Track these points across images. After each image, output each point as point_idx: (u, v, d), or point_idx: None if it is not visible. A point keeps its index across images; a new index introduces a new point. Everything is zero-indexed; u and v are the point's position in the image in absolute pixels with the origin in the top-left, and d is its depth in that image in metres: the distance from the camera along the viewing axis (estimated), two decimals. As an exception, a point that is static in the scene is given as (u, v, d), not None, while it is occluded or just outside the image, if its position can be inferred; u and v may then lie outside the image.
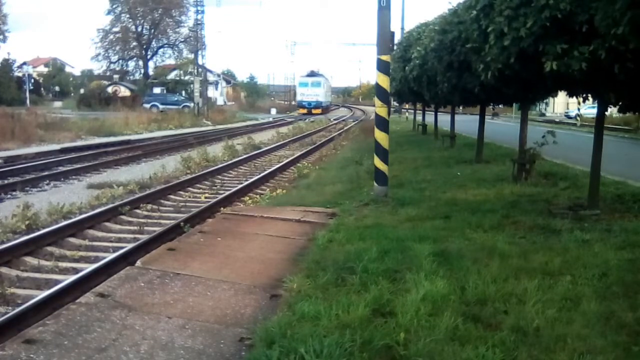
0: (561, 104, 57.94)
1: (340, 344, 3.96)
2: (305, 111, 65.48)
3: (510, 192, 10.26)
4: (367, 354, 3.96)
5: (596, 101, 8.80)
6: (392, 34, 10.25)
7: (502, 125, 34.60)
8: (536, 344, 4.12)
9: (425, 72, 15.11)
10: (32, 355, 3.99)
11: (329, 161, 19.26)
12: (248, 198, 12.89)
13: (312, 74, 72.08)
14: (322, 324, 4.37)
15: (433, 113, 25.48)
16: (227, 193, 12.97)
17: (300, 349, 3.87)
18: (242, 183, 14.77)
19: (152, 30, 75.48)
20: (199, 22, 51.64)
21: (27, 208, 10.04)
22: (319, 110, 65.99)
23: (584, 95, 8.72)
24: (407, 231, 7.35)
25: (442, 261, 5.91)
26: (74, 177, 15.88)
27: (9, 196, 12.88)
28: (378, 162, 9.83)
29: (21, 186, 13.75)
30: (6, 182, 14.36)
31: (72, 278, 7.02)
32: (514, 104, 17.90)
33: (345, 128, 38.44)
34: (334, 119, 53.61)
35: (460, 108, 29.71)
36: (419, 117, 30.44)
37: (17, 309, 6.02)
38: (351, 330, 4.21)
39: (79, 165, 17.74)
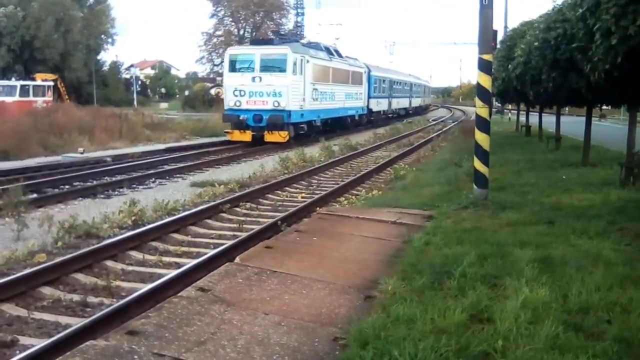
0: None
1: (436, 349, 3.88)
2: (241, 136, 24.63)
3: (617, 197, 9.74)
4: (463, 359, 3.87)
5: None
6: (495, 32, 9.97)
7: (610, 127, 32.89)
8: (643, 356, 3.88)
9: (529, 71, 14.65)
10: (134, 347, 4.15)
11: (426, 162, 19.02)
12: (344, 198, 12.93)
13: (270, 41, 27.40)
14: (417, 328, 4.31)
15: (537, 114, 24.61)
16: (323, 193, 13.07)
17: (394, 352, 3.83)
18: (338, 183, 14.84)
19: (254, 33, 77.33)
20: (299, 24, 52.70)
21: (133, 204, 10.53)
22: (284, 135, 24.21)
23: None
24: (508, 236, 7.11)
25: (544, 268, 5.69)
26: (178, 175, 16.52)
27: (116, 193, 13.57)
28: (478, 164, 9.58)
29: (128, 183, 14.44)
30: (114, 179, 15.13)
31: (175, 272, 7.28)
32: (622, 106, 17.00)
33: (444, 129, 37.79)
34: (433, 120, 52.82)
35: (566, 109, 28.52)
36: (522, 118, 29.45)
37: (121, 301, 6.30)
38: (447, 336, 4.12)
39: (182, 164, 18.46)
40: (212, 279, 5.78)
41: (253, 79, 24.27)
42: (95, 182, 14.64)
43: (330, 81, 29.71)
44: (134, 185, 14.50)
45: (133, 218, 10.15)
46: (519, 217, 8.38)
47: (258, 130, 23.99)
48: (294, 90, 24.46)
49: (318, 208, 11.12)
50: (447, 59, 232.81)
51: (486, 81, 9.61)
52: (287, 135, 23.87)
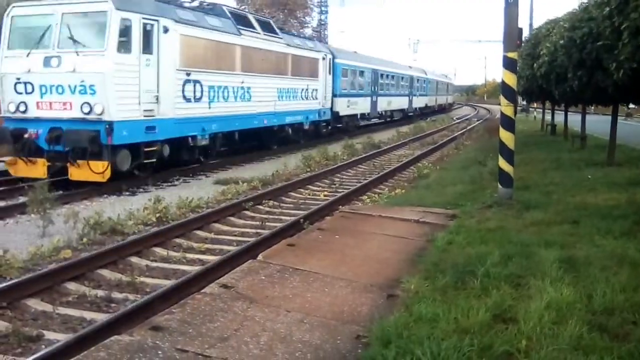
0: None
1: (459, 348, 3.86)
2: (28, 169, 13.17)
3: (644, 197, 9.59)
4: (486, 359, 3.85)
5: None
6: (520, 30, 9.87)
7: (636, 126, 32.42)
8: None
9: (554, 69, 14.52)
10: (158, 342, 4.19)
11: (450, 161, 18.90)
12: (366, 197, 12.91)
13: None
14: (440, 327, 4.29)
15: (562, 113, 24.34)
16: (346, 191, 13.07)
17: (417, 351, 3.82)
18: (360, 182, 14.84)
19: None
20: (322, 22, 52.62)
21: (158, 201, 10.62)
22: (101, 167, 12.60)
23: None
24: (532, 236, 7.06)
25: (568, 268, 5.64)
26: (201, 173, 16.62)
27: (141, 190, 13.69)
28: (503, 163, 9.50)
29: (153, 181, 14.56)
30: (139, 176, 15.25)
31: (198, 269, 7.35)
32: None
33: (469, 127, 37.52)
34: (457, 118, 52.46)
35: (592, 108, 28.15)
36: (548, 117, 29.15)
37: (146, 297, 6.37)
38: (470, 335, 4.10)
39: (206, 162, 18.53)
40: (235, 276, 5.81)
41: (47, 60, 13.04)
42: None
43: (240, 69, 18.14)
44: (159, 183, 14.62)
45: (157, 215, 10.24)
46: (544, 216, 8.30)
47: (58, 158, 13.00)
48: (124, 82, 13.08)
49: (340, 206, 11.12)
50: (471, 57, 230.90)
51: (511, 79, 9.53)
52: (107, 168, 12.66)
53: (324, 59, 26.15)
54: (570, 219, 8.11)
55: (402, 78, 42.40)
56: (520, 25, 9.91)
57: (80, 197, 12.30)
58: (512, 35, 9.49)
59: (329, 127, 28.01)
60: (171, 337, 4.27)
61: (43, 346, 5.37)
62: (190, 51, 15.45)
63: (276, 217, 10.98)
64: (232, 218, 10.68)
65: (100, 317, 5.98)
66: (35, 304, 6.44)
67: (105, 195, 12.83)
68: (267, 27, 21.00)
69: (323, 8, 55.01)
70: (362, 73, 32.56)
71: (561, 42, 12.89)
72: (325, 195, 13.18)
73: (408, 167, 17.99)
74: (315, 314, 4.85)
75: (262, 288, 5.44)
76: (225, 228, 10.09)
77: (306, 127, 24.47)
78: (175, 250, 8.68)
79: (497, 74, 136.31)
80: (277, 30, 21.98)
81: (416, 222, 8.44)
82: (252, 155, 20.47)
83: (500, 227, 7.62)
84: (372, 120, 37.03)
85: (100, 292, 6.81)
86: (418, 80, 48.19)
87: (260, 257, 6.57)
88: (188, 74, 15.38)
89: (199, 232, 9.62)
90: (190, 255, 8.41)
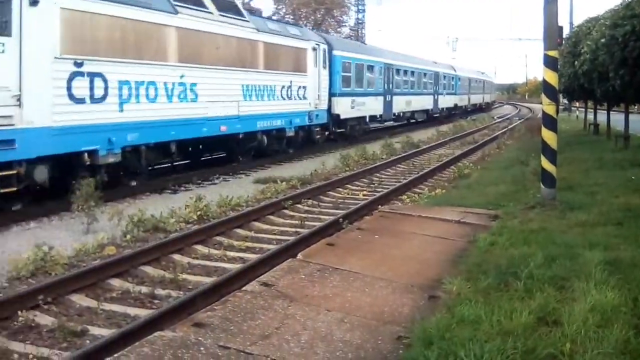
0: None
1: (502, 351, 3.82)
2: None
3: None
4: (529, 362, 3.81)
5: None
6: (560, 28, 9.71)
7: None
8: None
9: (596, 68, 14.24)
10: (200, 338, 4.25)
11: (491, 161, 18.67)
12: (406, 197, 12.85)
13: None
14: (483, 329, 4.25)
15: (605, 112, 23.83)
16: (385, 191, 13.03)
17: (460, 352, 3.79)
18: (400, 181, 14.78)
19: (314, 31, 77.60)
20: (360, 21, 52.45)
21: (199, 200, 10.75)
22: None
23: None
24: (576, 237, 6.93)
25: (613, 270, 5.51)
26: (241, 172, 16.77)
27: (182, 188, 13.89)
28: (545, 163, 9.36)
29: (194, 179, 14.75)
30: (180, 175, 15.48)
31: (239, 267, 7.43)
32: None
33: (510, 126, 37.00)
34: (498, 117, 51.78)
35: (635, 107, 27.46)
36: (590, 116, 28.57)
37: (188, 294, 6.46)
38: (513, 338, 4.05)
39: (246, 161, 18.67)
40: (275, 274, 5.85)
41: None
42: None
43: (177, 59, 13.88)
44: (199, 181, 14.80)
45: (198, 213, 10.38)
46: (587, 217, 8.14)
47: None
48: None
49: (380, 206, 11.09)
50: (512, 55, 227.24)
51: (552, 78, 9.38)
52: None
53: (315, 49, 21.33)
54: (615, 220, 7.94)
55: (425, 74, 37.44)
56: (560, 24, 9.76)
57: (123, 195, 12.52)
58: (552, 33, 9.34)
59: (326, 133, 23.80)
60: (213, 334, 4.33)
61: (88, 341, 5.50)
62: (82, 33, 11.23)
63: (315, 216, 11.02)
64: (271, 217, 10.75)
65: (144, 313, 6.10)
66: (80, 300, 6.60)
67: (148, 194, 13.06)
68: (226, 7, 16.11)
69: (360, 7, 54.92)
70: (371, 68, 27.62)
71: (602, 40, 12.66)
72: (364, 195, 13.16)
73: (448, 167, 17.84)
74: (356, 313, 4.85)
75: (302, 287, 5.47)
76: (265, 227, 10.17)
77: (290, 133, 19.83)
78: (216, 248, 8.77)
79: (538, 72, 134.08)
80: (243, 12, 17.28)
81: (457, 223, 8.37)
82: (291, 155, 20.50)
83: (544, 228, 7.50)
84: (387, 123, 32.39)
85: (144, 289, 6.94)
86: (445, 77, 43.34)
87: (299, 256, 6.60)
88: (78, 64, 11.11)
89: (239, 231, 9.71)
90: (230, 253, 8.49)
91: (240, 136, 16.82)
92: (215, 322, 4.54)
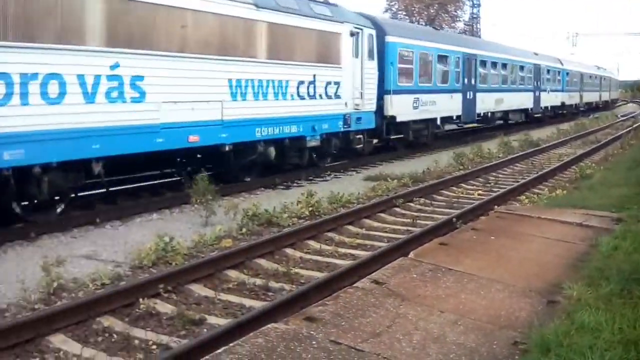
0: None
1: (624, 360, 3.59)
2: None
3: None
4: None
5: None
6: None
7: None
8: None
9: None
10: (312, 332, 4.27)
11: (615, 161, 17.66)
12: (524, 197, 12.37)
13: None
14: (604, 337, 4.00)
15: None
16: (502, 191, 12.63)
17: (579, 361, 3.59)
18: (517, 181, 14.28)
19: (428, 26, 76.45)
20: (474, 15, 51.11)
21: (310, 196, 10.88)
22: None
23: None
24: None
25: None
26: (352, 169, 16.83)
27: (295, 184, 14.12)
28: (678, 164, 8.68)
29: (305, 175, 14.95)
30: (293, 171, 15.75)
31: (350, 263, 7.44)
32: None
33: (635, 125, 34.80)
34: (622, 116, 48.88)
35: None
36: None
37: (300, 288, 6.56)
38: (636, 347, 3.80)
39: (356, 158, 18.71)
40: (386, 272, 5.79)
41: None
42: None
43: (105, 43, 9.54)
44: (311, 178, 14.99)
45: (310, 209, 10.50)
46: None
47: None
48: None
49: (496, 206, 10.76)
50: (637, 51, 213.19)
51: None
52: None
53: (354, 34, 16.12)
54: None
55: (522, 67, 31.36)
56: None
57: (238, 190, 12.90)
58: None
59: (375, 141, 19.13)
60: (325, 329, 4.34)
61: (205, 330, 5.70)
62: None
63: (427, 215, 10.85)
64: (382, 214, 10.70)
65: (258, 305, 6.24)
66: (199, 289, 6.84)
67: (262, 189, 13.38)
68: None
69: (475, 1, 53.46)
70: (443, 58, 22.27)
71: None
72: (479, 195, 12.81)
73: (569, 167, 17.05)
74: (470, 316, 4.71)
75: (413, 286, 5.38)
76: (376, 224, 10.13)
77: (313, 143, 15.01)
78: (328, 244, 8.84)
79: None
80: None
81: (578, 225, 7.95)
82: (403, 153, 20.30)
83: (674, 233, 6.98)
84: (467, 125, 26.73)
85: (258, 281, 7.10)
86: (549, 71, 36.50)
87: (411, 254, 6.50)
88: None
89: (350, 227, 9.73)
90: (341, 250, 8.53)
91: (227, 148, 12.36)
92: (326, 317, 4.55)
